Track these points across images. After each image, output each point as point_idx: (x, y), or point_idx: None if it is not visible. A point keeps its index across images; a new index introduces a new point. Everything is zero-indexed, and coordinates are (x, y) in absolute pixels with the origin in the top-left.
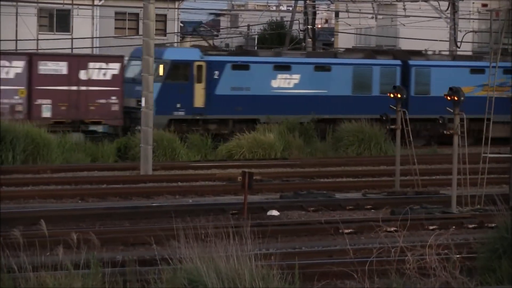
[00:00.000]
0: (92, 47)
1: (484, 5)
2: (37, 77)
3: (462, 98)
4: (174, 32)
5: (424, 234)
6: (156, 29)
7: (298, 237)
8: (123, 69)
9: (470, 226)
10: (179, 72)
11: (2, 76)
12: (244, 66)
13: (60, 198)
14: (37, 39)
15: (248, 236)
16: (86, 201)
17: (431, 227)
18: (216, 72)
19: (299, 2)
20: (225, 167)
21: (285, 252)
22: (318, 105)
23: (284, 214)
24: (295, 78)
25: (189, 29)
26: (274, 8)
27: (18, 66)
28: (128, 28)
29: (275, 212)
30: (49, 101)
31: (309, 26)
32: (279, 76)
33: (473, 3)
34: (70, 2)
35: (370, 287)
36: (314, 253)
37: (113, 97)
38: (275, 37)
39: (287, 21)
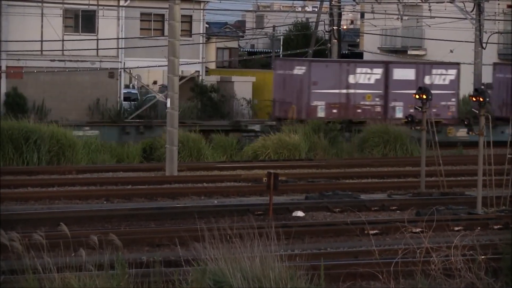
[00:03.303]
0: (118, 48)
1: (510, 6)
2: None
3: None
4: (200, 33)
5: (450, 235)
6: (181, 30)
7: (323, 238)
8: None
9: (496, 227)
10: None
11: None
12: None
13: (86, 199)
14: (63, 40)
15: (273, 237)
16: (112, 202)
17: (456, 228)
18: None
19: (324, 3)
20: (251, 167)
21: (311, 253)
22: None
23: (310, 215)
24: None
25: (215, 30)
26: (300, 9)
27: None
28: (154, 29)
29: (300, 213)
30: None
31: (334, 27)
32: None
33: (499, 4)
34: (95, 3)
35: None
36: (339, 254)
37: None
38: (301, 38)
39: (312, 22)
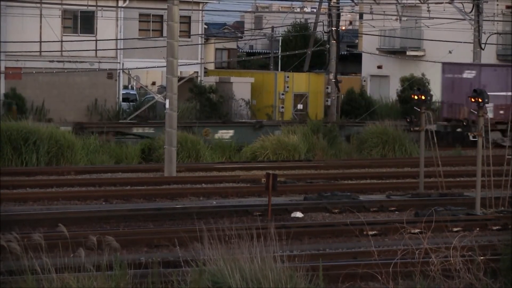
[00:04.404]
0: (116, 49)
1: (509, 7)
2: None
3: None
4: (198, 34)
5: (448, 236)
6: (180, 31)
7: (322, 238)
8: None
9: (494, 228)
10: None
11: None
12: None
13: (84, 200)
14: (61, 41)
15: (272, 238)
16: (110, 202)
17: (455, 229)
18: None
19: (323, 3)
20: (249, 168)
21: (309, 254)
22: None
23: (308, 216)
24: None
25: (213, 31)
26: (298, 9)
27: None
28: (152, 30)
29: (299, 214)
30: None
31: (333, 28)
32: None
33: (497, 4)
34: (94, 3)
35: None
36: (338, 255)
37: None
38: (299, 39)
39: (311, 23)
